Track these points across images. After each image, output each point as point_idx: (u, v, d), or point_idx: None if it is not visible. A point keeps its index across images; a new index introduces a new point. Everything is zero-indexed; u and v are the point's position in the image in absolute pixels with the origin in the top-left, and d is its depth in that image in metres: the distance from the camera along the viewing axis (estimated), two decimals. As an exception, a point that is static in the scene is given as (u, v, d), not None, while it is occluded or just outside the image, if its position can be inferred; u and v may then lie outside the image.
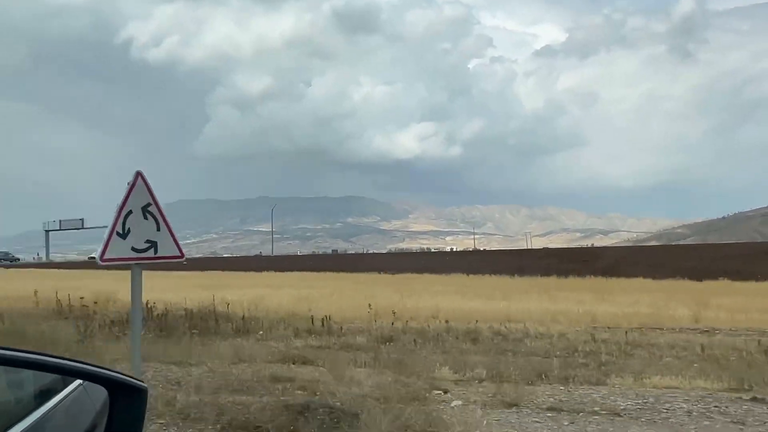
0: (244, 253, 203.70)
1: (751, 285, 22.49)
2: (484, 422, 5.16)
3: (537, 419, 5.23)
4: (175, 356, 8.82)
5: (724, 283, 24.11)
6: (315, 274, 35.15)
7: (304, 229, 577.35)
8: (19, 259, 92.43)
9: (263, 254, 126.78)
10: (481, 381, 7.28)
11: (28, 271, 51.16)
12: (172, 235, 5.42)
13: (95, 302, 14.48)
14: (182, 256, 5.52)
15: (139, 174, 5.18)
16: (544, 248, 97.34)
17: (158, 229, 5.29)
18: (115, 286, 23.93)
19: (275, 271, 38.57)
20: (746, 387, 6.66)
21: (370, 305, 14.87)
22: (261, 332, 11.86)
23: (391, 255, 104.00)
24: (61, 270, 52.57)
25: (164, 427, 4.73)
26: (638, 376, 7.29)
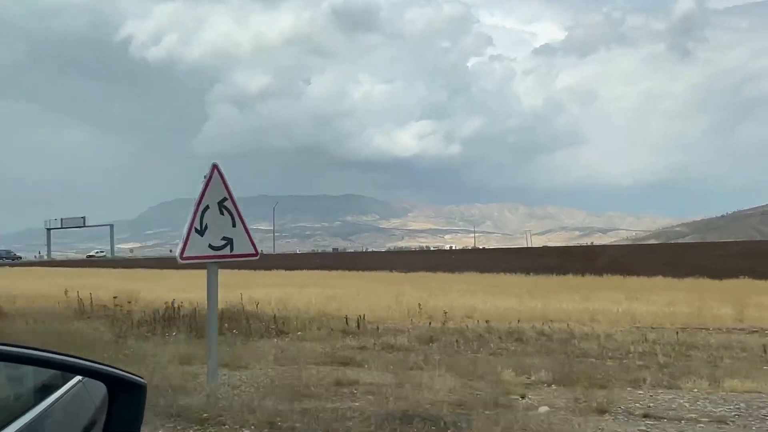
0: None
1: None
2: (587, 432, 4.86)
3: (641, 428, 4.92)
4: (220, 358, 8.51)
5: (745, 282, 23.82)
6: (326, 272, 34.83)
7: (303, 228, 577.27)
8: (21, 258, 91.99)
9: (264, 252, 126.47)
10: (549, 385, 6.97)
11: (33, 269, 50.76)
12: (247, 231, 5.11)
13: (115, 299, 14.15)
14: (257, 254, 5.21)
15: (215, 166, 4.86)
16: (551, 246, 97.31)
17: (234, 225, 4.98)
18: (125, 285, 23.65)
19: (284, 269, 38.20)
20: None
21: (402, 305, 14.60)
22: (300, 332, 11.53)
23: (395, 253, 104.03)
24: (65, 268, 52.23)
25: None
26: (713, 380, 6.98)
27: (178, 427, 4.47)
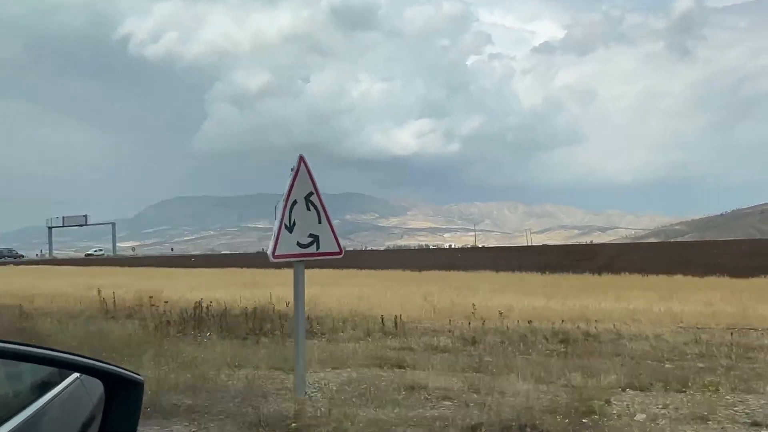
0: (242, 250, 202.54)
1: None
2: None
3: (758, 437, 4.62)
4: (270, 361, 8.21)
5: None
6: (336, 271, 34.37)
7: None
8: (23, 256, 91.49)
9: (265, 251, 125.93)
10: (623, 389, 6.67)
11: (38, 268, 50.39)
12: (332, 228, 4.79)
13: (151, 298, 13.82)
14: (341, 252, 4.88)
15: (301, 158, 4.54)
16: (554, 245, 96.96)
17: (320, 222, 4.66)
18: (141, 284, 23.30)
19: (308, 268, 37.76)
20: None
21: (433, 304, 14.28)
22: (342, 333, 11.22)
23: (400, 252, 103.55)
24: (70, 267, 51.85)
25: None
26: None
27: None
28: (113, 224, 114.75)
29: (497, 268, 32.58)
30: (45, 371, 1.61)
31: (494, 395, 6.08)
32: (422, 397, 5.96)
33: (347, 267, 38.55)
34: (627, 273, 27.29)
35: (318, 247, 4.61)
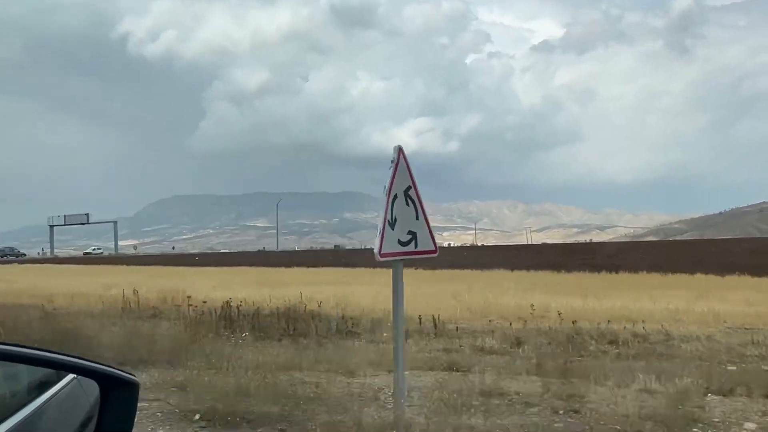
0: (240, 249, 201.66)
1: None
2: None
3: None
4: (327, 364, 7.90)
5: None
6: (348, 270, 34.07)
7: (301, 225, 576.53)
8: (25, 255, 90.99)
9: (267, 249, 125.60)
10: (705, 394, 6.38)
11: (44, 267, 50.00)
12: (429, 225, 4.48)
13: (189, 298, 13.47)
14: (436, 251, 4.56)
15: (400, 150, 4.22)
16: (558, 244, 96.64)
17: (417, 218, 4.34)
18: (156, 283, 22.94)
19: (307, 267, 37.50)
20: None
21: (465, 303, 13.98)
22: (381, 333, 10.91)
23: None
24: (73, 266, 51.50)
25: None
26: None
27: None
28: (115, 223, 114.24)
29: (510, 266, 32.32)
30: (42, 372, 1.61)
31: (579, 401, 5.80)
32: (503, 404, 5.67)
33: (355, 266, 38.37)
34: (644, 272, 27.05)
35: (416, 245, 4.29)
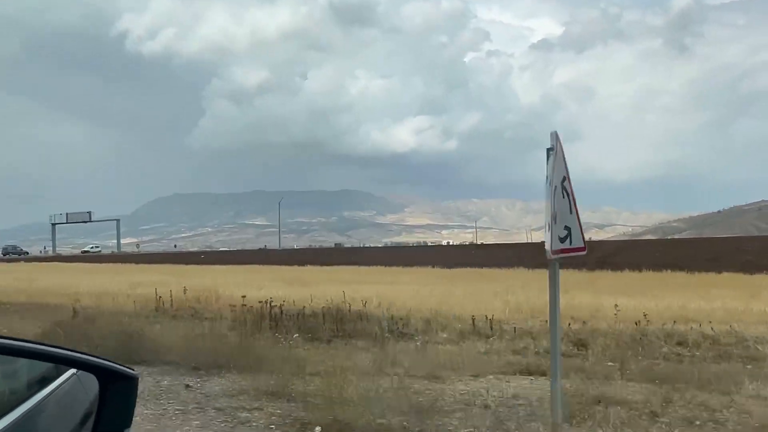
0: (239, 247, 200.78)
1: None
2: None
3: None
4: (395, 367, 7.51)
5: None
6: (366, 268, 33.65)
7: (299, 223, 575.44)
8: (27, 253, 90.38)
9: (268, 247, 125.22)
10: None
11: (49, 265, 49.53)
12: (579, 220, 4.07)
13: (243, 297, 13.03)
14: (585, 249, 4.15)
15: (557, 136, 3.81)
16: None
17: (570, 212, 3.94)
18: (182, 281, 22.49)
19: (319, 265, 37.11)
20: None
21: (510, 303, 13.61)
22: (435, 334, 10.52)
23: (409, 249, 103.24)
24: (82, 264, 51.06)
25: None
26: None
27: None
28: (117, 220, 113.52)
29: (525, 265, 31.90)
30: (42, 366, 1.61)
31: (705, 409, 5.41)
32: (625, 413, 5.26)
33: (355, 264, 37.96)
34: (669, 270, 26.68)
35: (571, 242, 3.88)
